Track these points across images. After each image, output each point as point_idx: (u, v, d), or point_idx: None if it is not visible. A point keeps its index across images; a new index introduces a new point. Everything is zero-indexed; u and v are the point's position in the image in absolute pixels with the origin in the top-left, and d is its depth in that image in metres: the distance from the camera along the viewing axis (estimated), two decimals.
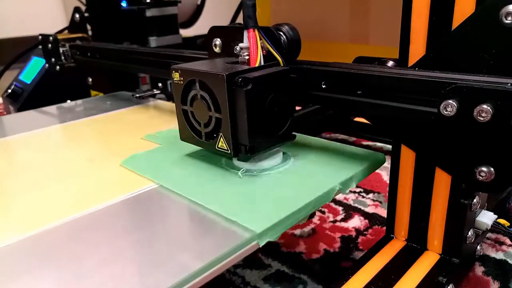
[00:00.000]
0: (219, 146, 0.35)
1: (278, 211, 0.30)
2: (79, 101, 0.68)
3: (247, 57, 0.35)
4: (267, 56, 0.35)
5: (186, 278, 0.24)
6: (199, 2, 0.97)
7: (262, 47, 0.35)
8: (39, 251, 0.27)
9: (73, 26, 0.79)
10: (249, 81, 0.31)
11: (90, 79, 0.79)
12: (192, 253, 0.26)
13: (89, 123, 0.56)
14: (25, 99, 0.82)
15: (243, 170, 0.36)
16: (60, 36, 0.75)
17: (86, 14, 0.77)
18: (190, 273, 0.24)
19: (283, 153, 0.38)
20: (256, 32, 0.34)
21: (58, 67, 0.75)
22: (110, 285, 0.24)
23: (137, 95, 0.66)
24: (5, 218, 0.32)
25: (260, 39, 0.35)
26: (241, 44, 0.36)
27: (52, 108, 0.66)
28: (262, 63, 0.35)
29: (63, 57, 0.75)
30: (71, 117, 0.59)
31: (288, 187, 0.33)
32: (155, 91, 0.68)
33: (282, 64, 0.35)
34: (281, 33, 0.36)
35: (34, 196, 0.35)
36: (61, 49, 0.74)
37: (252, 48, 0.34)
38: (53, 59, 0.76)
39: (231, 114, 0.32)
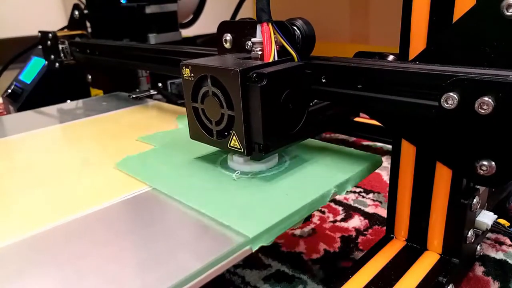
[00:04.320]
0: (231, 144, 0.34)
1: (271, 215, 0.29)
2: (76, 102, 0.68)
3: (260, 52, 0.34)
4: (281, 51, 0.34)
5: (178, 283, 0.23)
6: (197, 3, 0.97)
7: (275, 42, 0.34)
8: (39, 251, 0.27)
9: (72, 23, 0.78)
10: (264, 77, 0.30)
11: (90, 76, 0.79)
12: (183, 259, 0.25)
13: (85, 124, 0.55)
14: (25, 99, 0.82)
15: (237, 173, 0.35)
16: (59, 33, 0.75)
17: (85, 11, 0.76)
18: (179, 279, 0.23)
19: (279, 155, 0.38)
20: (270, 26, 0.33)
21: (57, 64, 0.75)
22: (108, 287, 0.23)
23: (134, 96, 0.65)
24: (4, 218, 0.32)
25: (274, 33, 0.34)
26: (253, 39, 0.35)
27: (49, 109, 0.65)
28: (276, 59, 0.34)
29: (62, 54, 0.74)
30: (68, 117, 0.58)
31: (283, 190, 0.33)
32: (152, 92, 0.67)
33: (296, 60, 0.34)
34: (295, 27, 0.35)
35: (31, 196, 0.35)
36: (60, 46, 0.74)
37: (266, 42, 0.33)
38: (52, 56, 0.75)
39: (244, 111, 0.31)
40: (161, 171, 0.37)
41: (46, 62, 0.78)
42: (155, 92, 0.68)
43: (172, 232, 0.29)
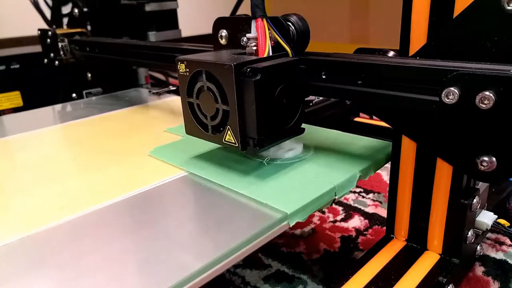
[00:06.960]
0: (226, 139, 0.34)
1: (305, 195, 0.31)
2: (102, 96, 0.70)
3: (254, 48, 0.34)
4: (275, 47, 0.35)
5: (226, 253, 0.25)
6: None
7: (270, 38, 0.34)
8: (44, 247, 0.27)
9: (72, 21, 0.78)
10: (258, 72, 0.31)
11: (89, 75, 0.79)
12: (229, 231, 0.27)
13: (109, 118, 0.57)
14: None
15: (267, 159, 0.37)
16: (59, 31, 0.75)
17: (85, 9, 0.76)
18: (228, 249, 0.25)
19: (304, 144, 0.40)
20: (265, 21, 0.33)
21: (57, 62, 0.75)
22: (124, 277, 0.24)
23: (154, 91, 0.67)
24: (27, 210, 0.33)
25: (268, 29, 0.34)
26: (248, 35, 0.35)
27: (77, 103, 0.67)
28: (271, 54, 0.34)
29: (62, 52, 0.74)
30: (96, 111, 0.60)
31: (312, 174, 0.35)
32: (171, 87, 0.69)
33: (290, 55, 0.35)
34: (290, 23, 0.36)
35: (57, 188, 0.36)
36: (60, 44, 0.74)
37: (260, 38, 0.33)
38: (52, 54, 0.75)
39: (239, 106, 0.32)
40: (193, 157, 0.39)
41: None
42: (174, 88, 0.69)
43: (213, 211, 0.31)
